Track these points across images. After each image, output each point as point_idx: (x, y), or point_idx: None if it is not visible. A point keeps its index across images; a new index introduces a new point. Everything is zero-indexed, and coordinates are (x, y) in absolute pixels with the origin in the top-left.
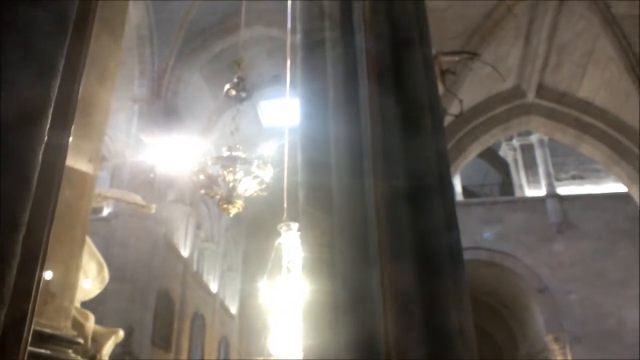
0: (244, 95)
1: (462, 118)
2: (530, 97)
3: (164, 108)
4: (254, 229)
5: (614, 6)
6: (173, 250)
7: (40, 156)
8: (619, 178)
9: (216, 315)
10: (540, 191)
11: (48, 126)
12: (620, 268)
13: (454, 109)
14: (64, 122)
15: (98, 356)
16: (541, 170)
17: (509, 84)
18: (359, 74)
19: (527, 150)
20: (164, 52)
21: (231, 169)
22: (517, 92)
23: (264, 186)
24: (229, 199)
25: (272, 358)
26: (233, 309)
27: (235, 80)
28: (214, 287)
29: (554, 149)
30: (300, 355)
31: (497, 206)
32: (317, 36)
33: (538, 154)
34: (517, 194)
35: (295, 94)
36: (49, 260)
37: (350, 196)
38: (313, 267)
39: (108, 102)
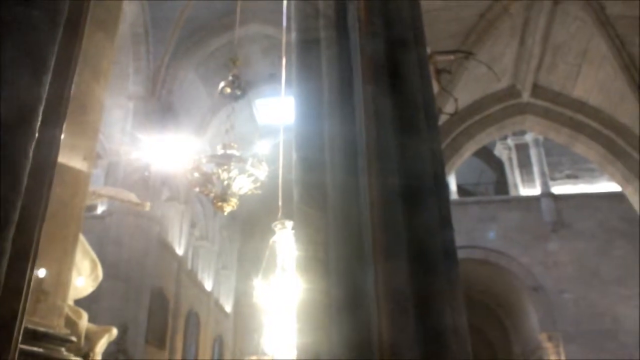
0: (239, 93)
1: (457, 117)
2: (525, 96)
3: (159, 106)
4: (249, 227)
5: (608, 7)
6: (167, 249)
7: (30, 154)
8: (613, 177)
9: (210, 313)
10: (535, 190)
11: (39, 124)
12: (614, 267)
13: (449, 107)
14: (56, 119)
15: (91, 354)
16: (536, 169)
17: (504, 83)
18: (354, 73)
19: (522, 150)
20: (159, 50)
21: (226, 167)
22: (512, 92)
23: (258, 184)
24: (223, 197)
25: (266, 357)
26: (227, 308)
27: (230, 78)
28: (208, 285)
29: (549, 149)
30: (294, 353)
31: (492, 205)
32: (312, 35)
33: (533, 153)
34: (512, 193)
35: (291, 92)
36: (42, 258)
37: (345, 195)
38: (307, 266)
39: (102, 100)
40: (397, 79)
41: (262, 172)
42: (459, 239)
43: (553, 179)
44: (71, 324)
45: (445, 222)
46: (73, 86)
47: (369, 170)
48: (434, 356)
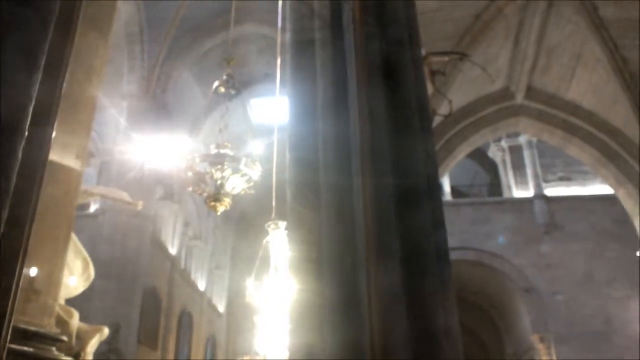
0: (233, 92)
1: (452, 119)
2: (519, 98)
3: (153, 105)
4: (243, 227)
5: (601, 9)
6: (160, 248)
7: (20, 153)
8: (606, 180)
9: (203, 313)
10: (528, 192)
11: (29, 123)
12: (606, 269)
13: (443, 109)
14: (47, 118)
15: (82, 354)
16: (529, 171)
17: (498, 85)
18: (349, 74)
19: (516, 151)
20: (154, 49)
21: (219, 166)
22: (506, 94)
23: (251, 184)
24: (216, 197)
25: (258, 357)
26: (221, 307)
27: (224, 77)
28: (201, 285)
29: (542, 151)
30: (286, 354)
31: (486, 206)
32: (307, 35)
33: (526, 155)
34: (505, 194)
35: (285, 92)
36: (33, 257)
37: (339, 195)
38: (300, 266)
39: (95, 99)
40: (392, 80)
41: (255, 172)
42: (453, 241)
43: (546, 180)
44: (62, 323)
45: (438, 223)
46: (66, 85)
47: (362, 171)
48: (426, 357)
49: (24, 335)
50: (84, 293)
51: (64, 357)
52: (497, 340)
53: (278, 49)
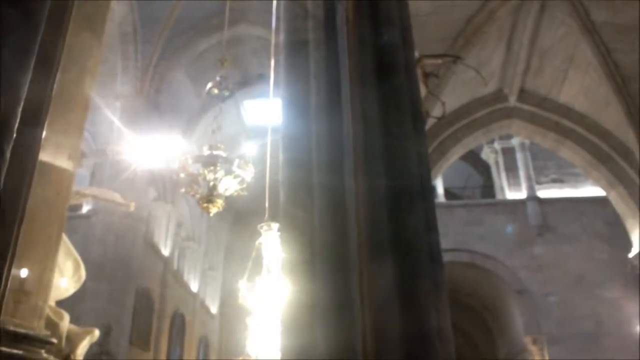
0: (226, 94)
1: (445, 121)
2: (512, 101)
3: (146, 105)
4: (236, 228)
5: (592, 13)
6: (153, 249)
7: (7, 153)
8: (598, 182)
9: (196, 314)
10: (521, 194)
11: (18, 123)
12: (598, 271)
13: (436, 111)
14: (37, 118)
15: (72, 356)
16: (522, 173)
17: (491, 87)
18: (342, 75)
19: (509, 154)
20: (148, 49)
21: (212, 167)
22: (499, 96)
23: (244, 186)
24: (209, 198)
25: (250, 358)
26: (213, 309)
27: (217, 78)
28: (194, 286)
29: (535, 153)
30: (279, 355)
31: (479, 208)
32: (301, 36)
33: (519, 157)
34: (499, 196)
35: (279, 93)
36: (24, 258)
37: (332, 196)
38: (293, 268)
39: (88, 99)
40: (385, 82)
41: (248, 174)
42: (446, 242)
43: (539, 182)
44: (52, 325)
45: (431, 225)
46: (59, 85)
47: (355, 172)
48: (418, 358)
49: (13, 338)
50: (75, 294)
51: None
52: (490, 342)
53: (272, 49)
